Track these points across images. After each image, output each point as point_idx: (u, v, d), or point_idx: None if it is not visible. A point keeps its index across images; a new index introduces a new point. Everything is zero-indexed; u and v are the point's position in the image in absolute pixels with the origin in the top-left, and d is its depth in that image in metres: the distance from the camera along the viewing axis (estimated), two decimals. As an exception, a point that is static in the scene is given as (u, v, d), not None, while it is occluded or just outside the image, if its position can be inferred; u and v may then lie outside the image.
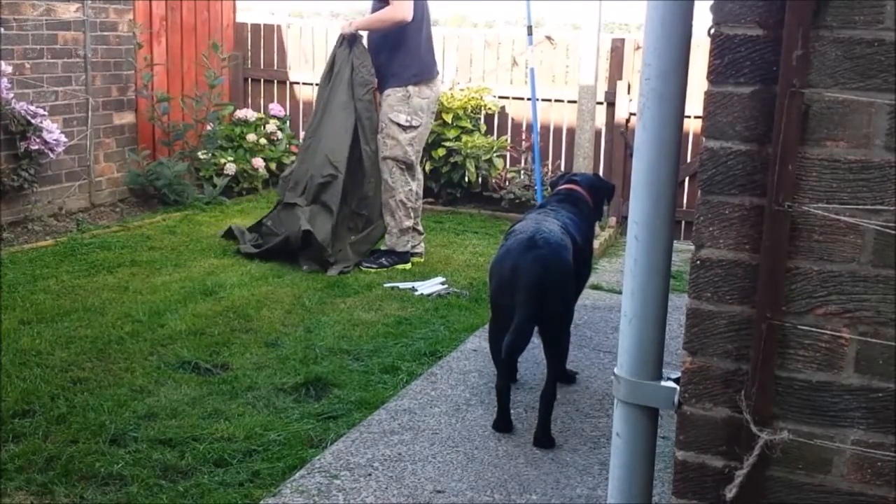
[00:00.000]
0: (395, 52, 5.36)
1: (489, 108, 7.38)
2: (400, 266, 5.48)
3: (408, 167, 5.48)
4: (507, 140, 7.36)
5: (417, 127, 5.43)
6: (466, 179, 7.19)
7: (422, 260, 5.66)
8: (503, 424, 3.34)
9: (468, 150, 7.03)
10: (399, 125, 5.37)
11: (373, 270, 5.38)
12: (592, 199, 3.92)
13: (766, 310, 1.43)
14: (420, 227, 5.64)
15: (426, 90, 5.43)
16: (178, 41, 7.35)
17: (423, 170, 7.13)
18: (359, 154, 5.50)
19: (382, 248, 5.56)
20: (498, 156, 7.18)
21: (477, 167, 7.11)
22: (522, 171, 7.33)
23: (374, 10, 5.41)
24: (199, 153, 7.16)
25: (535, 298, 3.16)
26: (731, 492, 1.45)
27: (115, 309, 4.44)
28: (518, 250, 3.26)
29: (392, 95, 5.38)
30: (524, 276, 3.18)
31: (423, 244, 5.70)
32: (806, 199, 1.41)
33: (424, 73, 5.43)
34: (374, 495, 2.84)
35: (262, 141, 7.52)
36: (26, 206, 6.02)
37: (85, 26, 6.36)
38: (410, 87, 5.37)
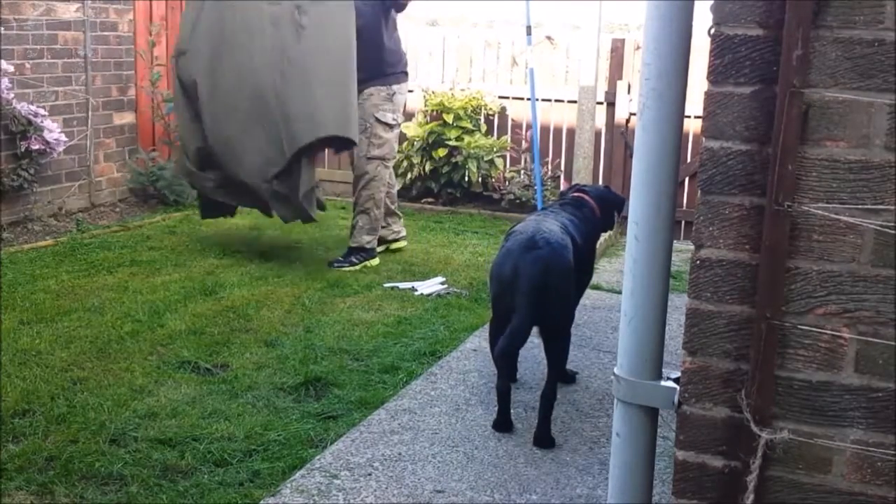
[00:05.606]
0: (381, 50, 5.31)
1: (489, 109, 7.38)
2: (369, 262, 5.46)
3: (390, 161, 5.58)
4: (507, 140, 7.36)
5: (400, 124, 5.55)
6: (467, 179, 7.19)
7: (404, 244, 5.82)
8: (503, 424, 3.34)
9: (470, 151, 7.03)
10: (386, 124, 5.40)
11: (346, 269, 5.33)
12: (600, 209, 3.88)
13: (766, 310, 1.43)
14: (398, 211, 5.79)
15: (404, 86, 5.53)
16: (178, 41, 7.34)
17: (424, 170, 7.17)
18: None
19: (351, 244, 5.48)
20: (498, 156, 7.18)
21: (479, 168, 7.11)
22: (522, 171, 7.33)
23: None
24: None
25: (535, 299, 3.16)
26: (748, 499, 1.44)
27: (115, 309, 4.44)
28: (518, 251, 3.26)
29: (376, 94, 5.37)
30: (524, 277, 3.18)
31: (403, 228, 5.84)
32: (806, 199, 1.41)
33: (405, 69, 5.54)
34: (374, 495, 2.84)
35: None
36: (26, 206, 6.01)
37: (85, 26, 6.35)
38: (394, 86, 5.40)
